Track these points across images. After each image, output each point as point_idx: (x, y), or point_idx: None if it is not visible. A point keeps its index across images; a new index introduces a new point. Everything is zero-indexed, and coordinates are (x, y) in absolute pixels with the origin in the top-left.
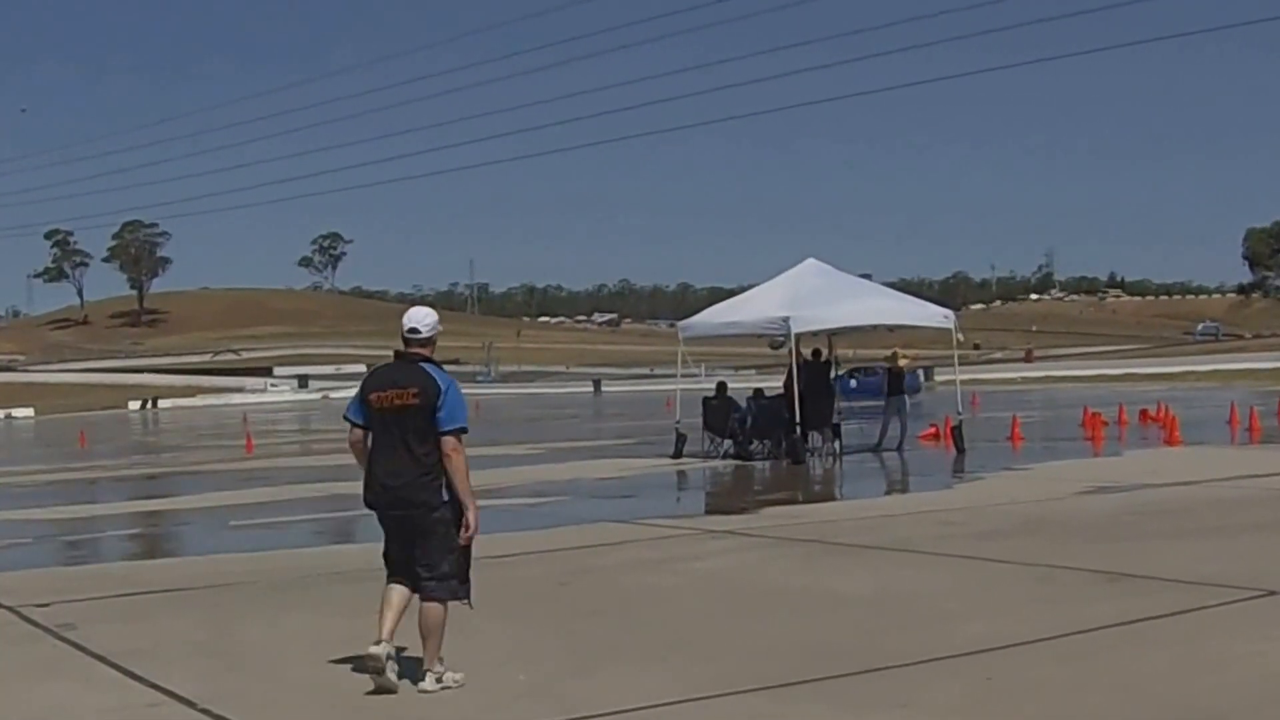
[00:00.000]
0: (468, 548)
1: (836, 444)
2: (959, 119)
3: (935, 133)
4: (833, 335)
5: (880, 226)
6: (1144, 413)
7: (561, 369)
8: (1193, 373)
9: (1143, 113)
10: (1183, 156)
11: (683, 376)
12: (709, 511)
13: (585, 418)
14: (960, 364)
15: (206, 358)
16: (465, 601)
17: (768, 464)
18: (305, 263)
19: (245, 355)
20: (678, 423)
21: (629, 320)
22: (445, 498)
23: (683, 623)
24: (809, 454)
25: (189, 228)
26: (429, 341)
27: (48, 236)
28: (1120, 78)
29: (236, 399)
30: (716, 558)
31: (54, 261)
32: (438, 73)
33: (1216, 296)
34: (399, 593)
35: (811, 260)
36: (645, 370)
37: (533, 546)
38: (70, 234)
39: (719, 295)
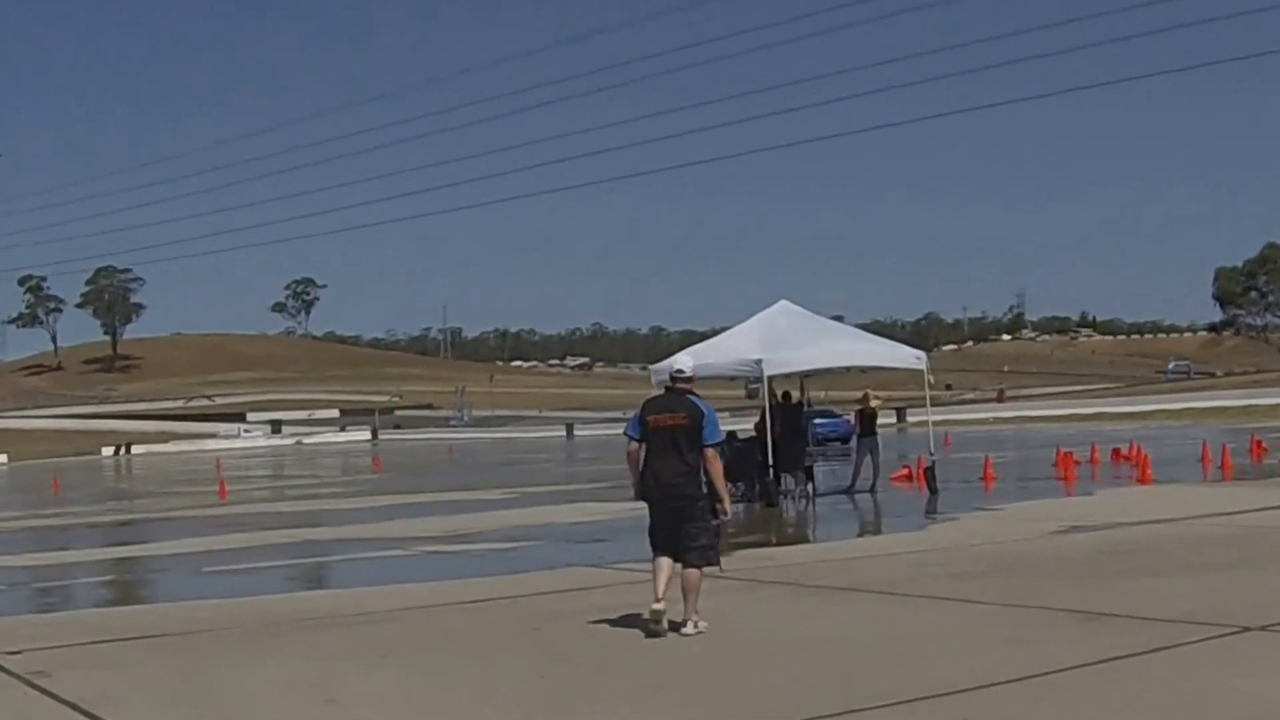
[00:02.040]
0: (717, 528)
1: (810, 486)
2: (930, 160)
3: (906, 174)
4: (805, 377)
5: (852, 268)
6: (1116, 451)
7: (534, 413)
8: (1164, 411)
9: (1113, 153)
10: (1153, 196)
11: None
12: None
13: (558, 461)
14: (933, 405)
15: (180, 404)
16: (717, 565)
17: (741, 507)
18: (279, 308)
19: (218, 401)
20: None
21: (601, 364)
22: (705, 490)
23: (657, 667)
24: (782, 496)
25: (162, 273)
26: (690, 379)
27: (21, 282)
28: (1090, 118)
29: (210, 445)
30: None
31: (27, 307)
32: (410, 118)
33: (1188, 335)
34: (666, 563)
35: (783, 302)
36: (618, 414)
37: (505, 591)
38: (44, 279)
39: (691, 338)
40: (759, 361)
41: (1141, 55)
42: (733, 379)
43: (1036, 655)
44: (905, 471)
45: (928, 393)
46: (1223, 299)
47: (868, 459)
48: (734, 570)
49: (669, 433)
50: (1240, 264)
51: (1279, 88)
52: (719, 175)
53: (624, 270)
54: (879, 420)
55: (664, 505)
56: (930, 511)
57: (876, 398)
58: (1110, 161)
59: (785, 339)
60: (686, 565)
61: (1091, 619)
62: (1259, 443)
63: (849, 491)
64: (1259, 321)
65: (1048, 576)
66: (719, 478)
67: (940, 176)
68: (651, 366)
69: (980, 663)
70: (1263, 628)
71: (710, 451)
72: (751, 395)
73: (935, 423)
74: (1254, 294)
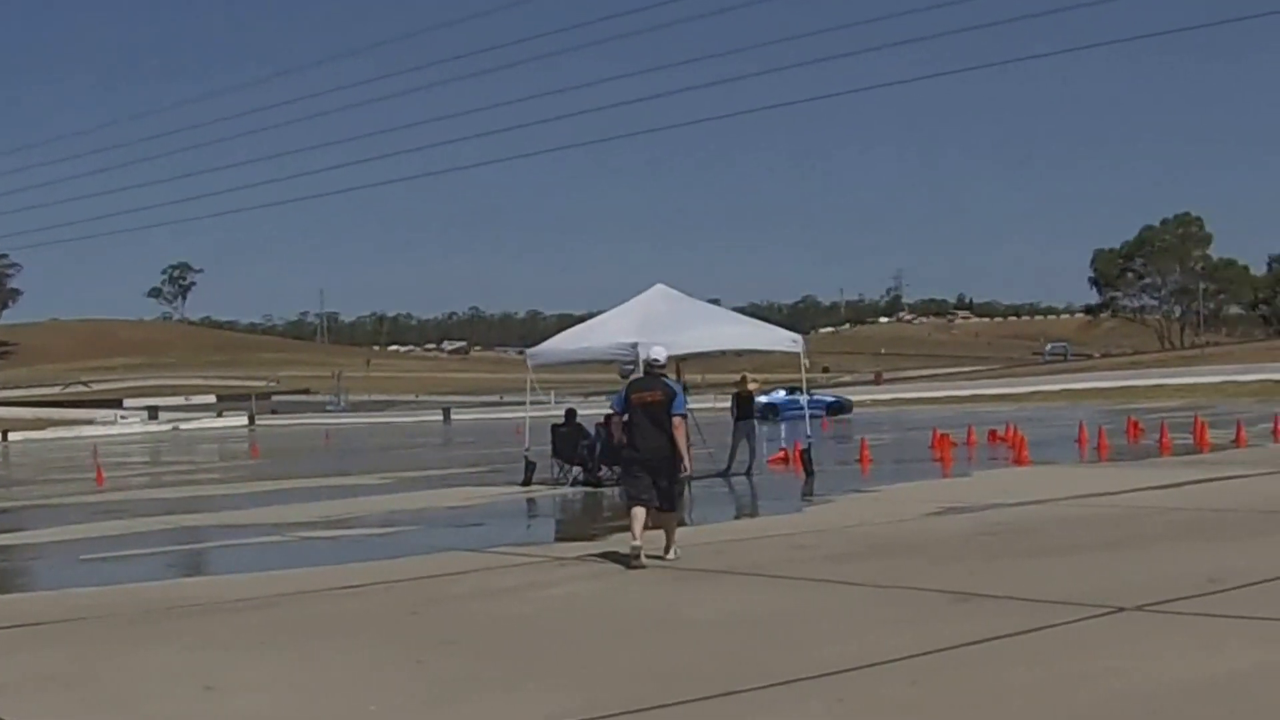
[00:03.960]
0: (681, 481)
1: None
2: (805, 142)
3: (782, 156)
4: (681, 361)
5: (729, 252)
6: (993, 433)
7: (411, 398)
8: (1041, 392)
9: (990, 135)
10: (1030, 178)
11: (532, 404)
12: (559, 539)
13: (435, 446)
14: (809, 387)
15: (56, 390)
16: (677, 511)
17: (618, 490)
18: (155, 293)
19: (95, 387)
20: (527, 450)
21: (479, 348)
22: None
23: (536, 650)
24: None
25: (40, 258)
26: (664, 366)
27: None
28: (967, 100)
29: (87, 431)
30: (568, 585)
31: None
32: (284, 101)
33: (1065, 317)
34: (642, 511)
35: (660, 286)
36: (495, 398)
37: (382, 576)
38: None
39: (568, 322)
40: (635, 345)
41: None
42: (609, 362)
43: (913, 636)
44: (782, 454)
45: (804, 376)
46: (1100, 281)
47: (744, 442)
48: (611, 554)
49: (648, 408)
50: (1118, 246)
51: (1156, 72)
52: (596, 157)
53: (500, 254)
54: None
55: (645, 465)
56: (807, 494)
57: (754, 380)
58: (987, 144)
59: (662, 322)
60: (664, 510)
61: (967, 600)
62: (1135, 424)
63: (725, 474)
64: (1136, 304)
65: (924, 558)
66: (683, 440)
67: (817, 159)
68: (528, 350)
69: (857, 644)
70: (1138, 608)
71: (678, 419)
72: (624, 376)
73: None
74: (1131, 276)
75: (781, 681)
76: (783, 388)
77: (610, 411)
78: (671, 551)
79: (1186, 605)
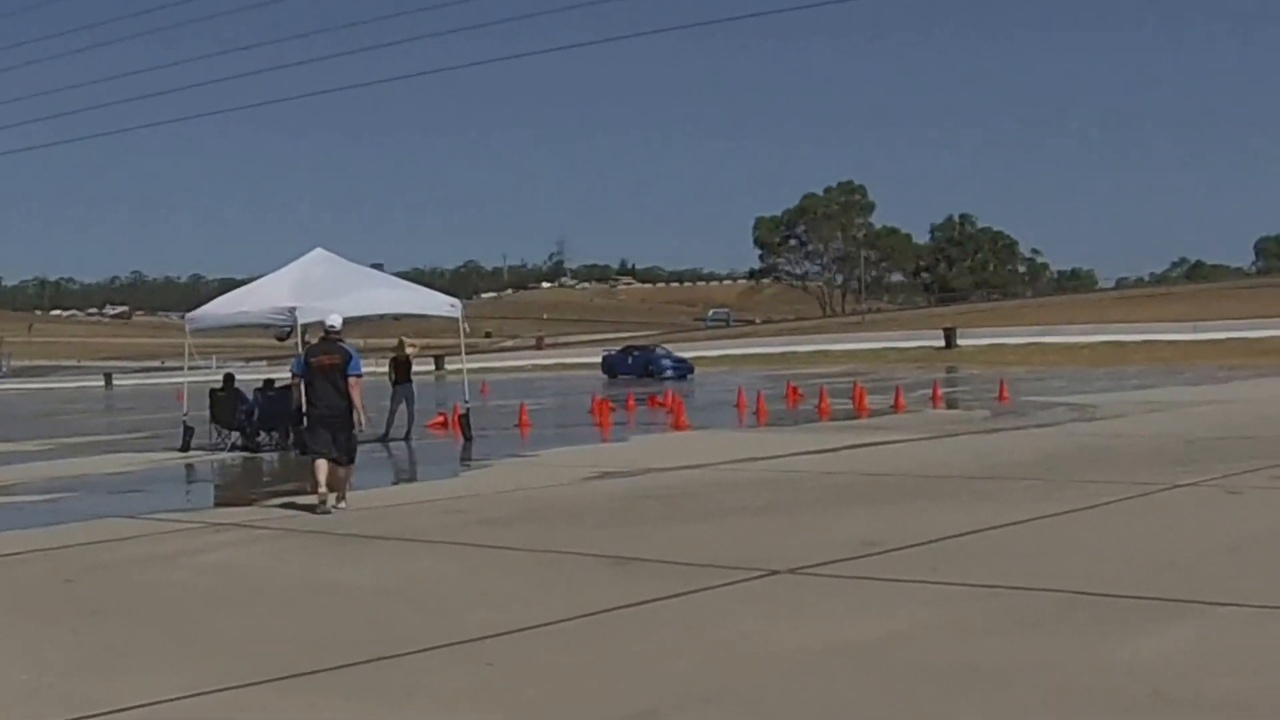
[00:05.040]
0: (355, 437)
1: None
2: (468, 108)
3: (445, 121)
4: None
5: (392, 217)
6: (652, 398)
7: (73, 363)
8: (704, 358)
9: (653, 101)
10: (694, 144)
11: (191, 369)
12: (217, 504)
13: (96, 412)
14: (471, 352)
15: None
16: (352, 464)
17: (276, 455)
18: None
19: None
20: (185, 416)
21: (141, 312)
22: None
23: (190, 619)
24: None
25: None
26: (340, 332)
27: None
28: (628, 66)
29: None
30: (222, 551)
31: None
32: None
33: (727, 283)
34: (324, 464)
35: (319, 250)
36: (156, 363)
37: (38, 544)
38: None
39: (230, 286)
40: (293, 309)
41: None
42: (268, 327)
43: (566, 600)
44: (441, 419)
45: (462, 340)
46: (763, 248)
47: (402, 406)
48: (267, 519)
49: (326, 370)
50: (780, 214)
51: (821, 43)
52: (257, 121)
53: (162, 217)
54: (414, 368)
55: (324, 422)
56: (465, 459)
57: (412, 345)
58: (651, 111)
59: (320, 287)
60: (340, 463)
61: (622, 564)
62: (795, 389)
63: (384, 440)
64: (798, 270)
65: (580, 522)
66: (359, 399)
67: (480, 124)
68: (188, 315)
69: (510, 609)
70: (791, 571)
71: (354, 380)
72: (281, 339)
73: (474, 370)
74: (793, 243)
75: (433, 646)
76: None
77: (291, 374)
78: (344, 501)
79: (840, 568)
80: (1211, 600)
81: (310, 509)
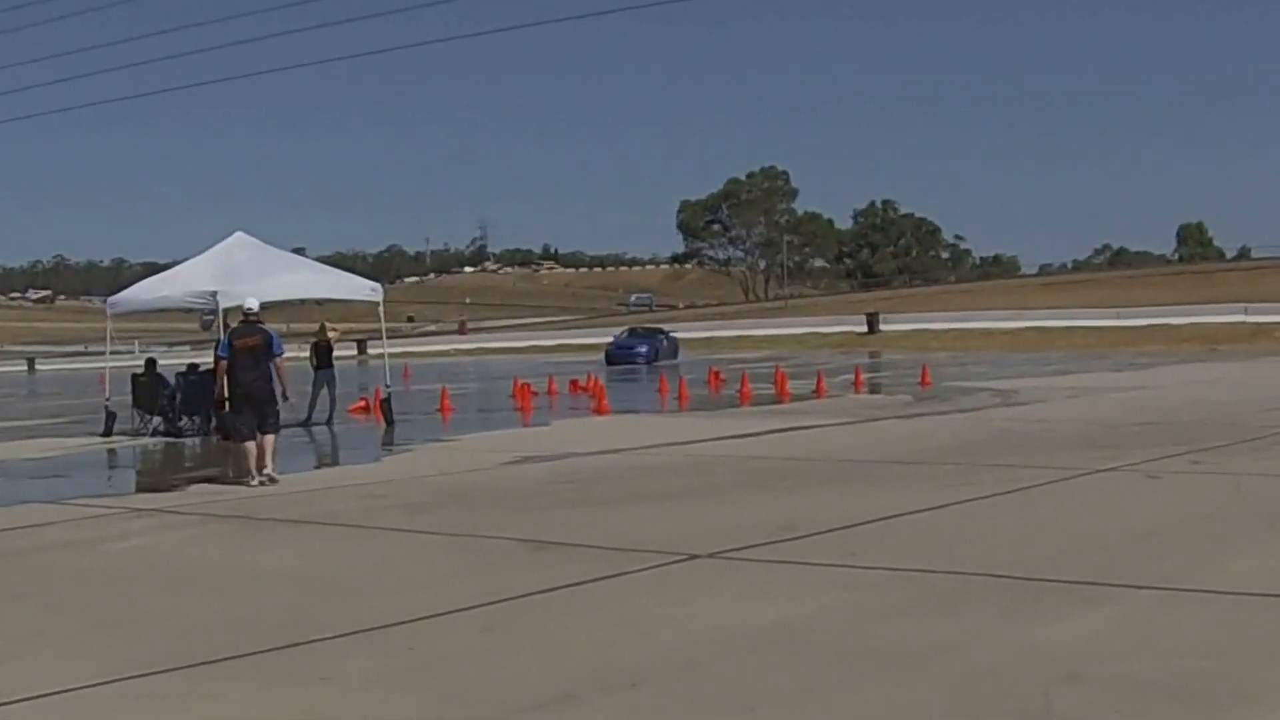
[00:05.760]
0: (278, 412)
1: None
2: (391, 91)
3: (366, 104)
4: (262, 309)
5: (313, 201)
6: (574, 383)
7: None
8: None
9: (577, 84)
10: (617, 128)
11: (113, 354)
12: (138, 490)
13: (18, 397)
14: (394, 337)
15: None
16: (277, 434)
17: (198, 441)
18: None
19: None
20: (107, 400)
21: (63, 297)
22: (275, 388)
23: (107, 604)
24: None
25: None
26: (258, 314)
27: None
28: (552, 49)
29: None
30: (143, 536)
31: None
32: None
33: (651, 268)
34: (253, 445)
35: (239, 234)
36: (79, 348)
37: None
38: None
39: (153, 270)
40: (215, 294)
41: None
42: (189, 311)
43: (486, 585)
44: (363, 403)
45: (383, 325)
46: (686, 232)
47: (324, 391)
48: (187, 505)
49: (251, 351)
50: (704, 196)
51: (746, 28)
52: (181, 104)
53: (86, 201)
54: (335, 353)
55: (250, 399)
56: (386, 443)
57: (334, 329)
58: (574, 94)
59: (240, 271)
60: (265, 433)
61: (542, 548)
62: (717, 374)
63: (305, 424)
64: (722, 255)
65: (500, 507)
66: (285, 377)
67: (400, 107)
68: (110, 299)
69: (429, 593)
70: (711, 555)
71: (279, 360)
72: (205, 327)
73: (396, 355)
74: (717, 228)
75: (352, 631)
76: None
77: (217, 355)
78: (275, 474)
79: (760, 552)
80: (1129, 584)
81: (236, 487)
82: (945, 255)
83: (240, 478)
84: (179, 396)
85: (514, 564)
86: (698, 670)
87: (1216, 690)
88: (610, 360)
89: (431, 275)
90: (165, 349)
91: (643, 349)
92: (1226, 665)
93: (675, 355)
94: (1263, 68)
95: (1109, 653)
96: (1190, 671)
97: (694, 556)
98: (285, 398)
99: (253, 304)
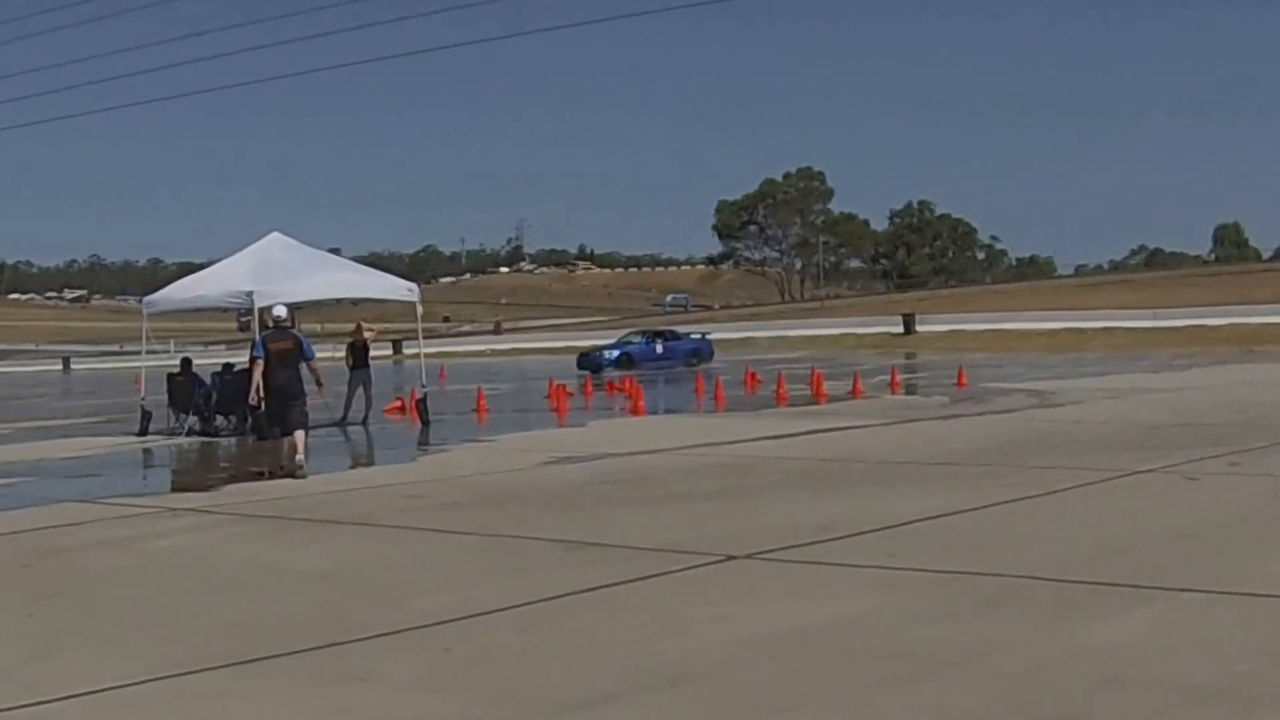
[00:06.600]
0: (306, 412)
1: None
2: (427, 90)
3: (403, 104)
4: (297, 310)
5: (349, 201)
6: (610, 384)
7: (31, 347)
8: None
9: (614, 85)
10: (653, 129)
11: (149, 353)
12: (174, 489)
13: (54, 396)
14: (429, 337)
15: None
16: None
17: (233, 440)
18: None
19: None
20: (143, 400)
21: (99, 296)
22: (304, 390)
23: (144, 603)
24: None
25: None
26: (291, 320)
27: None
28: (589, 50)
29: None
30: (180, 535)
31: None
32: None
33: (687, 268)
34: (288, 439)
35: (276, 234)
36: (115, 347)
37: None
38: None
39: (189, 270)
40: (250, 293)
41: None
42: (225, 311)
43: (522, 585)
44: (398, 403)
45: (419, 325)
46: (722, 233)
47: (360, 391)
48: (224, 504)
49: (283, 354)
50: (740, 197)
51: (773, 27)
52: (216, 105)
53: (121, 201)
54: (372, 353)
55: (282, 398)
56: (422, 443)
57: (370, 329)
58: (610, 94)
59: (277, 271)
60: (295, 429)
61: (578, 549)
62: (753, 375)
63: (341, 424)
64: (757, 256)
65: (536, 507)
66: (319, 374)
67: (439, 107)
68: (146, 299)
69: (466, 594)
70: (749, 556)
71: (313, 362)
72: (244, 328)
73: (432, 355)
74: (753, 228)
75: (388, 631)
76: (642, 332)
77: (252, 355)
78: (307, 464)
79: (797, 553)
80: (1170, 585)
81: (270, 485)
82: (981, 256)
83: (292, 473)
84: (214, 396)
85: (551, 564)
86: (738, 671)
87: (1259, 693)
88: (580, 365)
89: (467, 275)
90: (201, 349)
91: (613, 354)
92: (1268, 668)
93: (674, 357)
94: None
95: (1150, 655)
96: (1231, 674)
97: (732, 557)
98: (320, 384)
99: (280, 311)
